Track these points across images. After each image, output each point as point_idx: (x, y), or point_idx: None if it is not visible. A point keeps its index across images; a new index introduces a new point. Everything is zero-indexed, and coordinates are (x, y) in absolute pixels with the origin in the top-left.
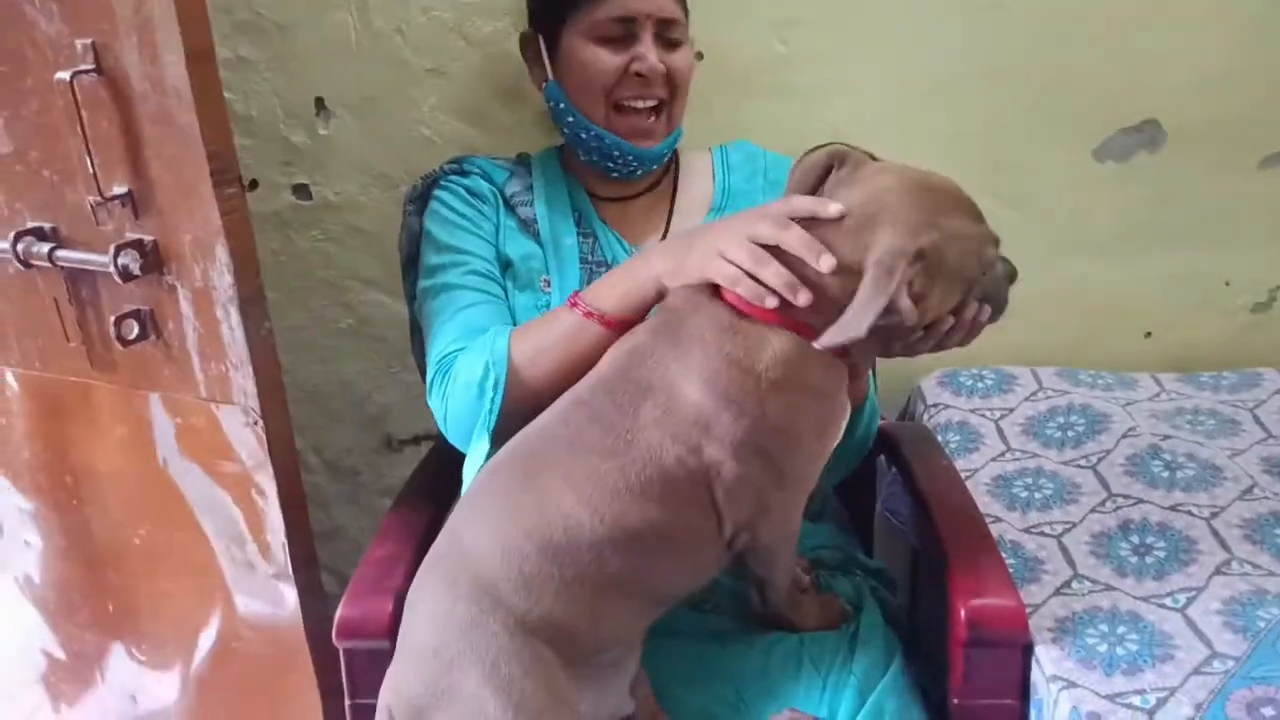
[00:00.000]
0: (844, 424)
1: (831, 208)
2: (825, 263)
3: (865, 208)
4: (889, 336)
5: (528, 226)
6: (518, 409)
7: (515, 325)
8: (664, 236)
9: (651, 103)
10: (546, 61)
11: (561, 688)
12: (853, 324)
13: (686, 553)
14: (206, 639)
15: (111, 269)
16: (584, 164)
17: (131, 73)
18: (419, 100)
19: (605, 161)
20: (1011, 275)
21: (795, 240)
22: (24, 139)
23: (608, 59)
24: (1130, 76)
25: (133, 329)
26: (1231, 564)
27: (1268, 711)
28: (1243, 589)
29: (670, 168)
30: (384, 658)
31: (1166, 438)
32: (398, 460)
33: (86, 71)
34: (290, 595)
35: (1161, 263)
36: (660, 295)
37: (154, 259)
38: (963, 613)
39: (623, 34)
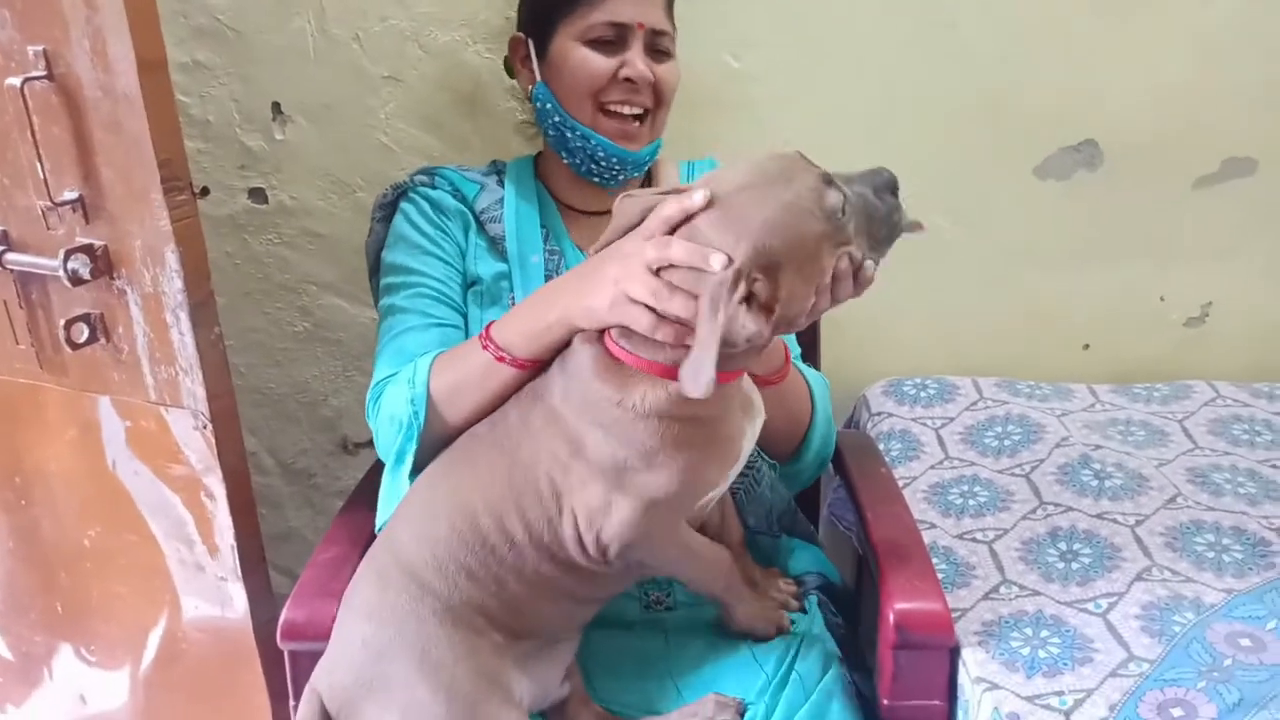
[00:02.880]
0: (740, 440)
1: (696, 197)
2: (716, 261)
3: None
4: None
5: (496, 245)
6: (438, 438)
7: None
8: None
9: (637, 110)
10: (535, 64)
11: (493, 672)
12: (702, 369)
13: (564, 577)
14: (156, 640)
15: (61, 273)
16: (564, 169)
17: (83, 79)
18: (376, 107)
19: (589, 163)
20: (886, 182)
21: (680, 253)
22: None
23: (599, 62)
24: (1071, 98)
25: (83, 332)
26: (1152, 570)
27: (1176, 712)
28: (1161, 594)
29: (644, 183)
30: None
31: (1098, 448)
32: (352, 463)
33: (38, 78)
34: (239, 597)
35: (1100, 278)
36: (570, 336)
37: (104, 264)
38: (891, 617)
39: (614, 39)
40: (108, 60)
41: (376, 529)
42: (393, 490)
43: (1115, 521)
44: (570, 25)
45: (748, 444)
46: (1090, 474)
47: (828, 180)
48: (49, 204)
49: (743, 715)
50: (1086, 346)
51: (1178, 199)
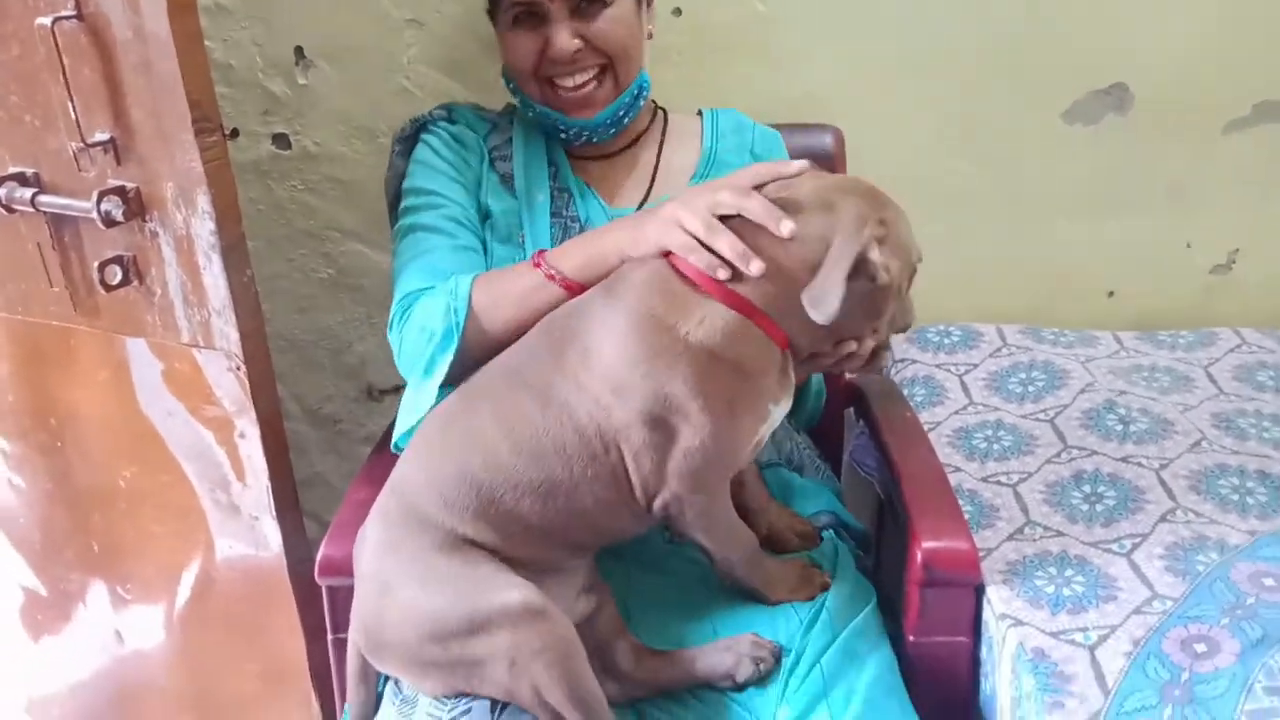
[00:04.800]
0: (770, 409)
1: (793, 165)
2: (786, 227)
3: (819, 194)
4: (842, 321)
5: (506, 182)
6: (471, 355)
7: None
8: (646, 197)
9: (585, 76)
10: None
11: (495, 571)
12: (830, 290)
13: (604, 512)
14: (190, 578)
15: (95, 215)
16: None
17: (113, 19)
18: (398, 52)
19: (557, 134)
20: (910, 316)
21: (757, 207)
22: (4, 84)
23: (523, 43)
24: (1101, 40)
25: (116, 274)
26: (1176, 512)
27: (1200, 648)
28: (1185, 535)
29: (653, 127)
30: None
31: (1122, 393)
32: (377, 409)
33: (67, 17)
34: (274, 537)
35: (1126, 224)
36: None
37: (136, 205)
38: (919, 555)
39: (533, 14)
40: (137, 1)
41: (393, 445)
42: (413, 401)
43: (1140, 465)
44: (498, 10)
45: (777, 411)
46: (1115, 419)
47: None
48: (81, 145)
49: (778, 660)
50: (1111, 294)
51: (1207, 144)
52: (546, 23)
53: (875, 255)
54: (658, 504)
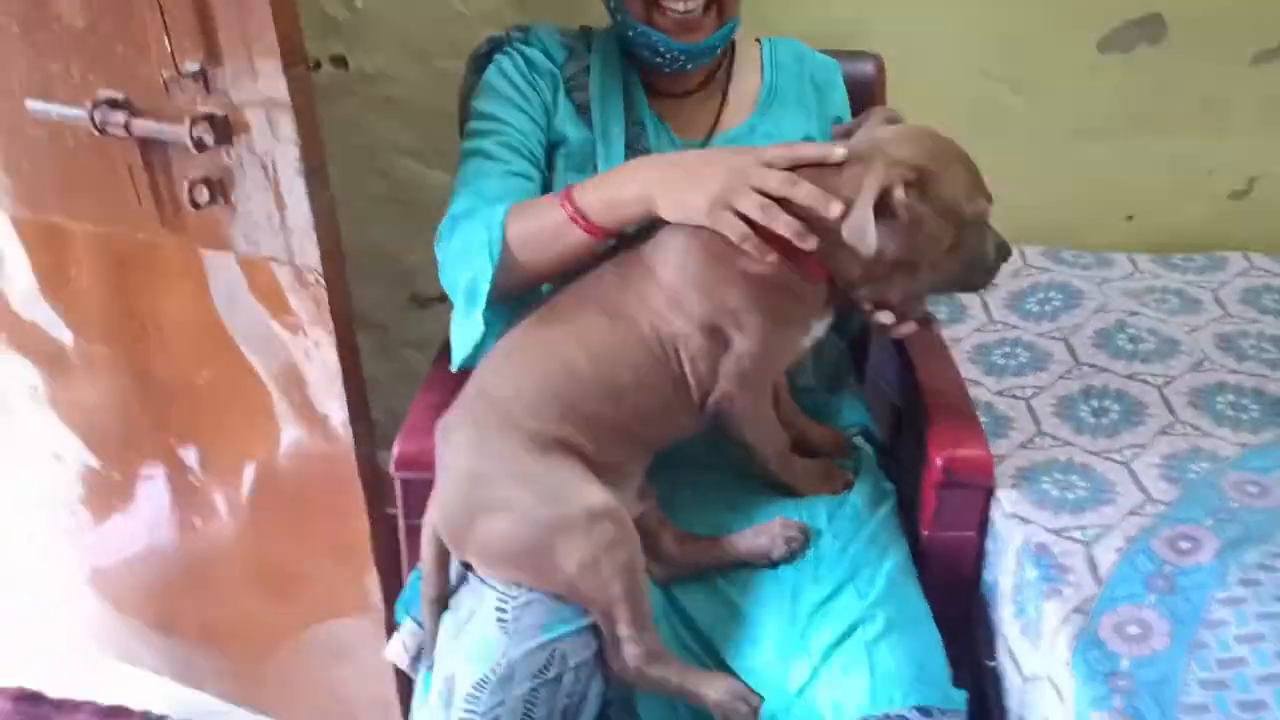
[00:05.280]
0: (812, 325)
1: (837, 151)
2: (835, 209)
3: (862, 148)
4: (877, 263)
5: (582, 111)
6: (511, 281)
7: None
8: (713, 129)
9: (697, 4)
10: None
11: (581, 475)
12: (865, 225)
13: (665, 410)
14: (261, 466)
15: (187, 140)
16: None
17: None
18: None
19: (654, 57)
20: (1003, 249)
21: (805, 194)
22: (98, 12)
23: None
24: None
25: (203, 194)
26: (1175, 426)
27: (1184, 545)
28: (1181, 447)
29: (724, 62)
30: (431, 486)
31: (1134, 314)
32: (424, 316)
33: None
34: (344, 434)
35: (1151, 150)
36: (648, 216)
37: (225, 131)
38: (938, 460)
39: None
40: None
41: (453, 366)
42: (463, 331)
43: (1145, 382)
44: None
45: (819, 327)
46: (1125, 338)
47: (988, 195)
48: (174, 74)
49: (808, 539)
50: (1130, 218)
51: (1235, 73)
52: None
53: (899, 194)
54: (710, 402)
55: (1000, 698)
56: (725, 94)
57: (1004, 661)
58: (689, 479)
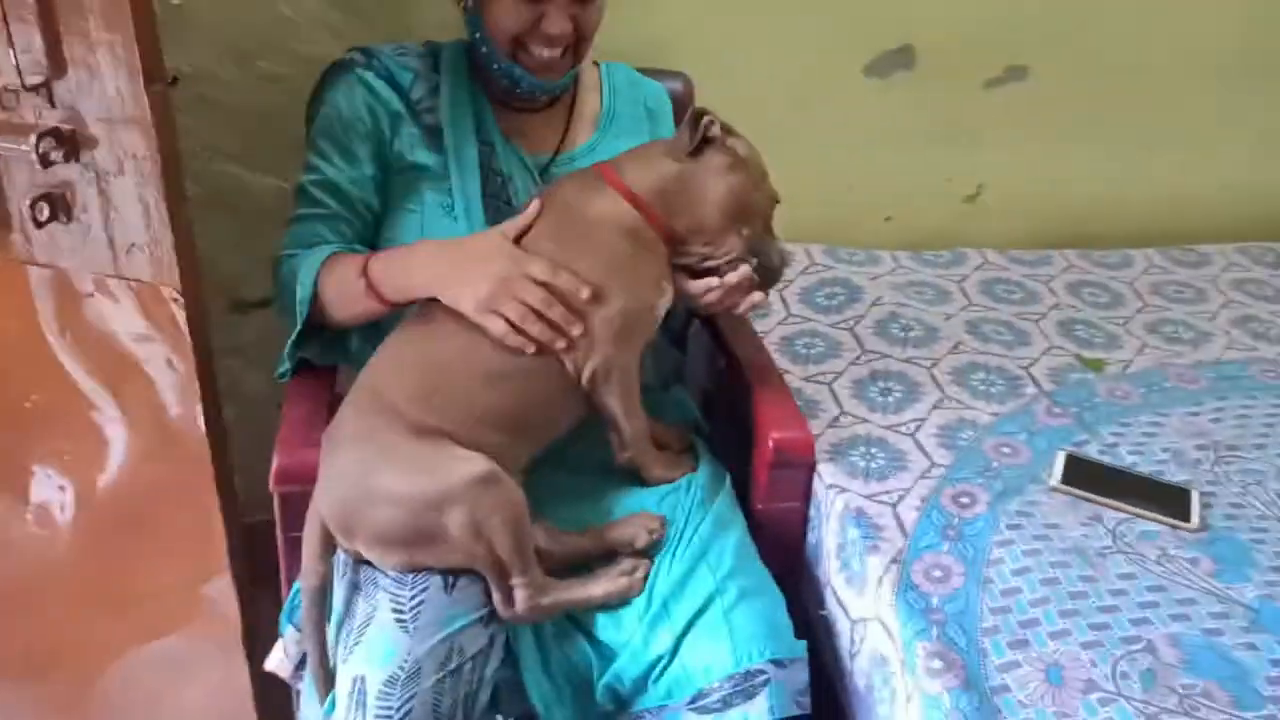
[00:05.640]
0: (666, 287)
1: (584, 291)
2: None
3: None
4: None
5: (433, 134)
6: (326, 324)
7: (399, 225)
8: (559, 147)
9: (559, 49)
10: None
11: (459, 450)
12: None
13: (546, 394)
14: (96, 488)
15: (33, 156)
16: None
17: None
18: None
19: (512, 86)
20: (783, 255)
21: (564, 281)
22: None
23: (521, 12)
24: (894, 9)
25: (44, 211)
26: (944, 401)
27: (964, 500)
28: (951, 419)
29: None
30: (308, 498)
31: (902, 305)
32: (245, 322)
33: None
34: (201, 447)
35: (903, 161)
36: (432, 297)
37: (72, 147)
38: (770, 443)
39: None
40: None
41: (276, 374)
42: (287, 352)
43: (918, 365)
44: None
45: (669, 292)
46: (898, 327)
47: (774, 196)
48: (18, 86)
49: (665, 528)
50: (888, 219)
51: (970, 96)
52: (546, 0)
53: (708, 117)
54: (587, 371)
55: (831, 639)
56: (570, 113)
57: (833, 609)
58: (559, 481)
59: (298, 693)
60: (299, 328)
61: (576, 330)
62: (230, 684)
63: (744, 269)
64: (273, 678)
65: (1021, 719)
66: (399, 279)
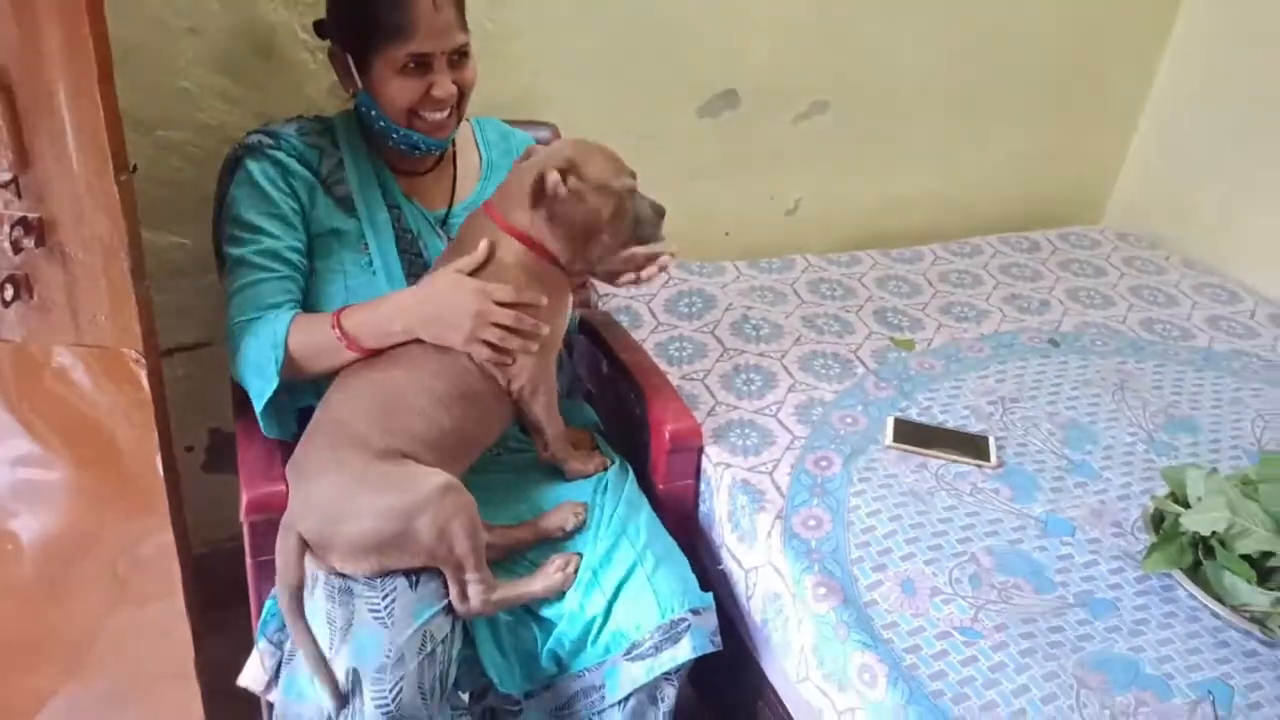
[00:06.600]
0: (569, 304)
1: (543, 300)
2: (543, 300)
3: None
4: (570, 236)
5: (345, 203)
6: (295, 379)
7: (325, 285)
8: (451, 199)
9: (447, 111)
10: (356, 75)
11: (422, 468)
12: (524, 184)
13: (485, 410)
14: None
15: (5, 244)
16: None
17: (13, 72)
18: (177, 55)
19: (411, 149)
20: (658, 207)
21: (528, 298)
22: None
23: (411, 87)
24: (721, 59)
25: (9, 291)
26: (797, 386)
27: (824, 464)
28: (804, 399)
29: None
30: (275, 526)
31: (750, 308)
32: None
33: None
34: (161, 500)
35: (735, 184)
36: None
37: (40, 234)
38: (666, 434)
39: (422, 64)
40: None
41: (265, 433)
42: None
43: (770, 358)
44: (385, 56)
45: (569, 311)
46: (750, 328)
47: (631, 173)
48: None
49: (588, 512)
50: (727, 234)
51: (784, 129)
52: (430, 71)
53: (552, 177)
54: (516, 385)
55: (729, 587)
56: (455, 169)
57: (728, 562)
58: (491, 482)
59: (269, 705)
60: (274, 385)
61: (545, 330)
62: (183, 712)
63: (639, 252)
64: (225, 703)
65: (888, 621)
66: (379, 327)
